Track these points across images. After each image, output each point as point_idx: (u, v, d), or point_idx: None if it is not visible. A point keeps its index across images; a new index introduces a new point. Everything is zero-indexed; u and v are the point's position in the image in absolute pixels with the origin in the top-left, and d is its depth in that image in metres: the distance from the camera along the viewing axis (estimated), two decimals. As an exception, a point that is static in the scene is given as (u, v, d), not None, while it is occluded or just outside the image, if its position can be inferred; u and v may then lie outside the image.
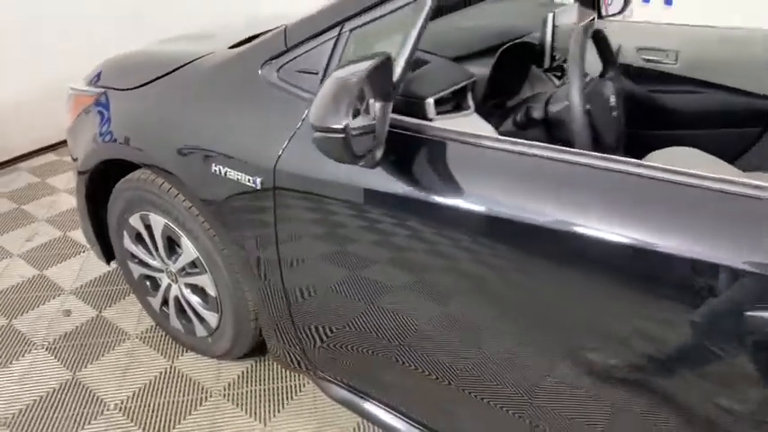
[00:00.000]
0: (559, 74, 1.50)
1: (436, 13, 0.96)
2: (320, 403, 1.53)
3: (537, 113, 1.19)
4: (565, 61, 1.65)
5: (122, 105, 1.50)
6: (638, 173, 0.76)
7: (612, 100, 1.22)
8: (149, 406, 1.52)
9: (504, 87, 1.42)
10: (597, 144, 1.18)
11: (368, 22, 1.00)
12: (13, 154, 3.04)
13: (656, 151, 1.61)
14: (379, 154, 0.94)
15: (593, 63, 1.53)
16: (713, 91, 2.04)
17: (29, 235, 2.34)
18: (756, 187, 0.70)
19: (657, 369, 0.80)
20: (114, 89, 1.54)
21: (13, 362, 1.67)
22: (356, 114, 0.88)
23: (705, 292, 0.71)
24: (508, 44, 1.30)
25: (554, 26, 1.41)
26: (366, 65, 0.79)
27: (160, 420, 1.48)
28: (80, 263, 2.15)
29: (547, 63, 1.44)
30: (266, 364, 1.66)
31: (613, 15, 2.26)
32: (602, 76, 1.40)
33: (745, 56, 1.97)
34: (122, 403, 1.53)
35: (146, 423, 1.47)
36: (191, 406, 1.53)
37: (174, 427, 1.46)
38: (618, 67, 1.37)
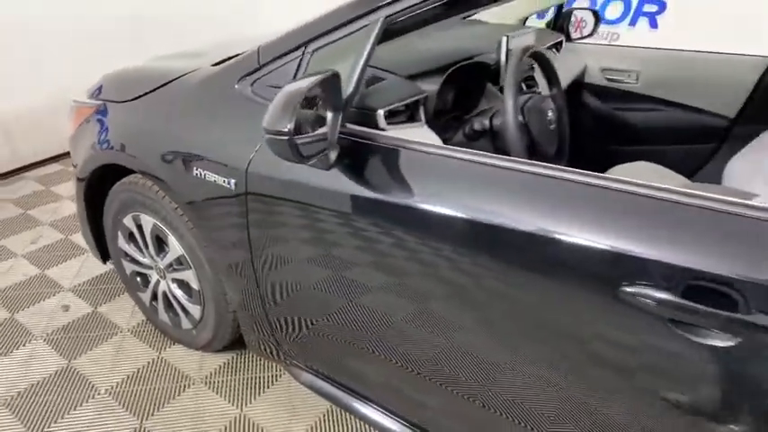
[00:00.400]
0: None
1: (384, 37, 1.11)
2: (294, 391, 1.66)
3: (482, 126, 1.33)
4: (528, 79, 1.80)
5: (119, 116, 1.65)
6: (559, 176, 0.88)
7: (551, 115, 1.36)
8: (136, 391, 1.65)
9: (463, 102, 1.56)
10: (535, 153, 1.32)
11: (326, 44, 1.16)
12: (20, 163, 3.22)
13: (618, 166, 1.73)
14: (333, 156, 1.09)
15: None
16: (672, 109, 2.18)
17: (33, 237, 2.50)
18: (700, 197, 0.77)
19: (614, 367, 0.89)
20: (112, 101, 1.70)
21: (14, 350, 1.80)
22: (322, 124, 1.03)
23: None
24: (460, 64, 1.45)
25: (508, 48, 1.56)
26: (312, 79, 0.93)
27: (145, 404, 1.61)
28: (80, 263, 2.30)
29: (502, 81, 1.59)
30: (246, 356, 1.79)
31: (582, 38, 2.42)
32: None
33: (701, 77, 2.11)
34: (112, 388, 1.66)
35: (132, 406, 1.60)
36: (174, 392, 1.66)
37: (158, 410, 1.59)
38: (560, 86, 1.51)
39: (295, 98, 0.90)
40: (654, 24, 4.54)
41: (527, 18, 2.39)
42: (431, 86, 1.40)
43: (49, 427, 1.52)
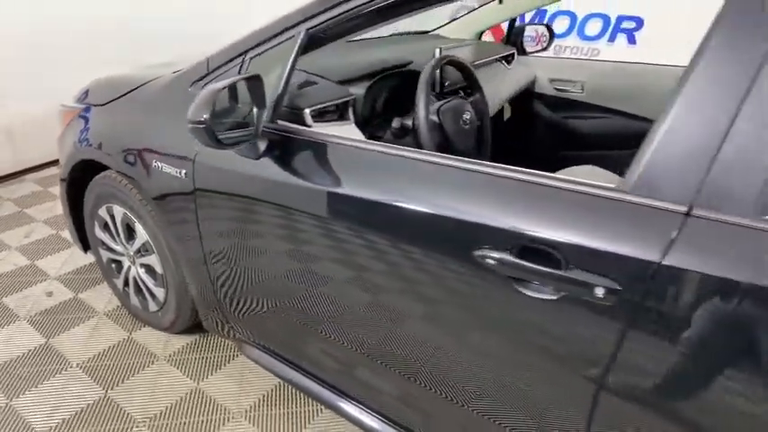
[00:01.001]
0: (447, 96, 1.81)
1: (306, 48, 1.28)
2: (247, 369, 1.82)
3: (400, 125, 1.49)
4: (466, 88, 1.97)
5: (98, 117, 1.84)
6: (437, 162, 1.04)
7: (467, 116, 1.52)
8: (105, 365, 1.82)
9: (401, 105, 1.73)
10: (451, 149, 1.49)
11: (261, 53, 1.34)
12: (21, 167, 3.44)
13: (562, 170, 1.88)
14: (261, 147, 1.27)
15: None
16: (615, 117, 2.34)
17: (27, 232, 2.70)
18: (540, 176, 0.91)
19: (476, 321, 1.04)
20: (94, 105, 1.89)
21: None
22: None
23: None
24: (392, 71, 1.62)
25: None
26: (229, 80, 1.11)
27: (113, 376, 1.78)
28: (67, 255, 2.49)
29: (437, 88, 1.76)
30: (209, 337, 1.96)
31: (536, 52, 2.59)
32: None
33: (640, 86, 2.27)
34: (84, 363, 1.83)
35: (100, 378, 1.77)
36: (139, 367, 1.82)
37: (122, 382, 1.76)
38: (482, 92, 1.68)
39: (212, 95, 1.07)
40: (632, 40, 4.71)
41: (482, 33, 2.57)
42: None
43: (23, 394, 1.69)
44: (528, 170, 0.95)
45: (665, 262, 0.79)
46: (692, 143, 0.81)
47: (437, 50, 1.74)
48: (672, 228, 0.80)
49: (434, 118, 1.46)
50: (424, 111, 1.36)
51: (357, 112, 1.51)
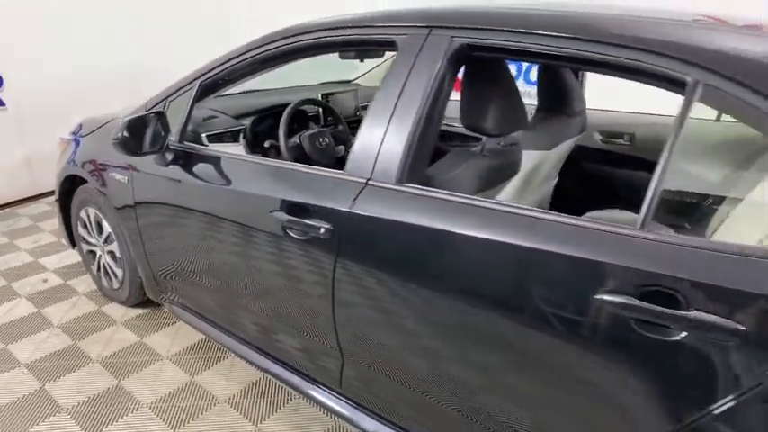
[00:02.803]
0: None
1: (202, 95, 1.94)
2: (180, 329, 2.43)
3: (270, 145, 2.13)
4: (350, 121, 2.61)
5: (84, 145, 2.54)
6: (277, 166, 1.67)
7: (323, 140, 2.16)
8: (77, 326, 2.46)
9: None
10: (310, 162, 2.12)
11: (174, 99, 2.02)
12: (38, 191, 4.19)
13: None
14: (168, 158, 1.92)
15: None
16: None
17: (35, 240, 3.41)
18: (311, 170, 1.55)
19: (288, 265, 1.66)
20: (82, 135, 2.60)
21: (4, 303, 2.65)
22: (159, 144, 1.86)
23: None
24: (277, 109, 2.29)
25: (327, 101, 2.40)
26: (138, 114, 1.78)
27: (82, 332, 2.41)
28: (63, 255, 3.17)
29: (321, 121, 2.42)
30: (156, 310, 2.58)
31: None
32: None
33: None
34: (62, 324, 2.47)
35: (73, 334, 2.40)
36: (101, 327, 2.45)
37: (88, 336, 2.39)
38: (345, 124, 2.33)
39: (125, 123, 1.74)
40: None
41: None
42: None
43: (17, 341, 2.34)
44: (301, 165, 1.58)
45: (352, 210, 1.40)
46: (370, 143, 1.42)
47: (319, 95, 2.41)
48: (357, 191, 1.41)
49: (297, 141, 2.11)
50: (284, 136, 2.02)
51: (246, 137, 2.17)
